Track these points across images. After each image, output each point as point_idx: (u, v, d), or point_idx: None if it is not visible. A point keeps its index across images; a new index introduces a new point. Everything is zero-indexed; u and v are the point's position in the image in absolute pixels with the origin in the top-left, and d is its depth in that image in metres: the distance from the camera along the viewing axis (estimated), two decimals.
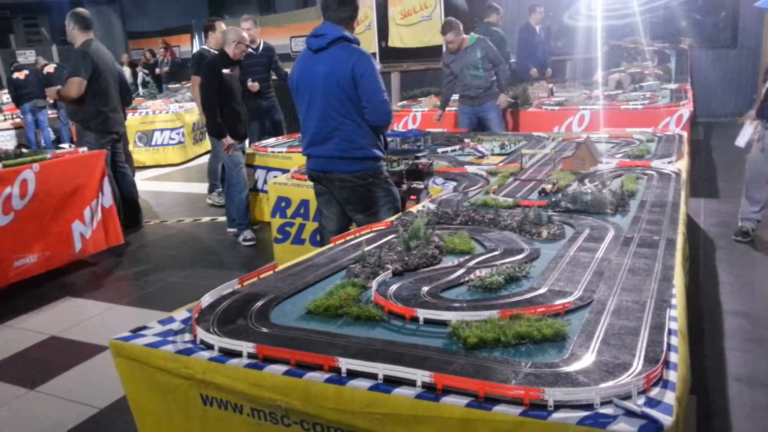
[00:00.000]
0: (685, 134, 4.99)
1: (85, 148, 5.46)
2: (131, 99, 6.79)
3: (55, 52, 16.83)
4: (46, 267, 4.89)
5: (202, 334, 1.78)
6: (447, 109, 6.86)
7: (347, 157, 3.41)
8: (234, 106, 5.49)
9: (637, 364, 1.50)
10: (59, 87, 5.94)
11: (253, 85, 6.19)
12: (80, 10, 5.82)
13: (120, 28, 18.42)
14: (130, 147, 7.78)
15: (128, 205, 6.26)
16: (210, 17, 7.02)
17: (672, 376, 1.48)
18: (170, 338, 1.83)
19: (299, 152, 5.48)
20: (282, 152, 5.91)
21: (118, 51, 14.82)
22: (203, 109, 5.57)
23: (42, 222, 4.85)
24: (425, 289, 2.08)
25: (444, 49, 7.29)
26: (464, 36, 6.18)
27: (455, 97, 6.72)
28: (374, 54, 12.33)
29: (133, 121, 9.42)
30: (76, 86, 5.57)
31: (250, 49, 7.04)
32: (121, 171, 6.17)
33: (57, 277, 4.99)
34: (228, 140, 5.46)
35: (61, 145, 6.57)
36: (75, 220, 5.12)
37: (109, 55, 5.96)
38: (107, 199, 5.43)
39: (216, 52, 6.29)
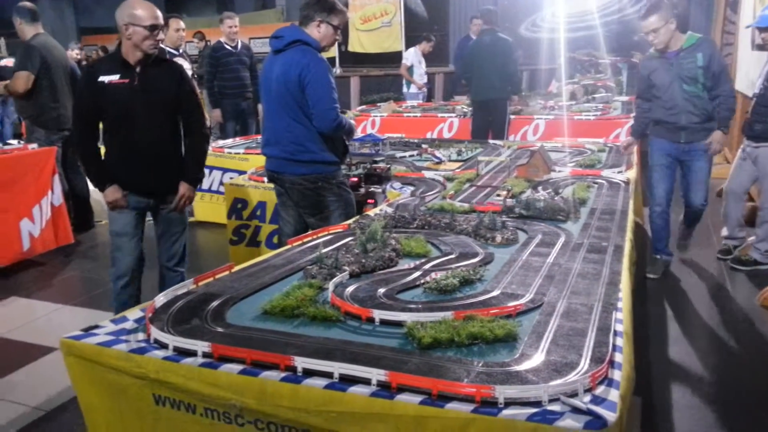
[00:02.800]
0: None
1: (34, 145, 5.31)
2: None
3: (3, 45, 16.27)
4: None
5: (156, 333, 1.77)
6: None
7: (295, 160, 3.41)
8: (125, 134, 3.26)
9: (584, 364, 1.56)
10: (7, 81, 5.76)
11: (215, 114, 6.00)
12: (26, 3, 5.63)
13: (73, 22, 17.92)
14: None
15: (79, 205, 6.11)
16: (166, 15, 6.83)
17: (617, 375, 1.54)
18: (123, 337, 1.81)
19: (256, 154, 5.47)
20: (239, 153, 5.87)
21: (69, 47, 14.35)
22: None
23: None
24: (381, 290, 2.11)
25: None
26: (677, 32, 4.19)
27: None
28: (334, 58, 12.35)
29: None
30: (23, 81, 5.40)
31: (228, 47, 6.97)
32: (72, 169, 6.02)
33: (3, 277, 4.84)
34: (109, 193, 3.30)
35: (9, 141, 6.36)
36: (23, 218, 4.97)
37: (60, 50, 5.80)
38: (57, 197, 5.29)
39: (174, 51, 6.21)
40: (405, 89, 9.42)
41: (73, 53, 10.80)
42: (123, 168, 3.31)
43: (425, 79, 9.40)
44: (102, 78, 3.19)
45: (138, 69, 3.22)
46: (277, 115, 3.40)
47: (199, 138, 3.47)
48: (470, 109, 7.05)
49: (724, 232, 4.89)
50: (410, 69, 9.15)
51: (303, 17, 3.41)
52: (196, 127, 3.44)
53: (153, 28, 3.15)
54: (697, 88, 4.16)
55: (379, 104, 8.59)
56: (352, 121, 3.62)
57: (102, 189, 3.32)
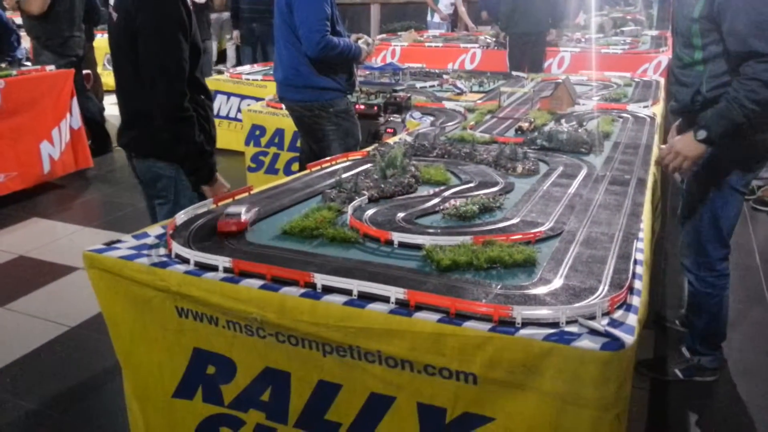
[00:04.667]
0: (662, 80, 5.02)
1: (52, 66, 5.27)
2: (99, 19, 6.51)
3: None
4: (12, 188, 4.80)
5: (177, 248, 1.79)
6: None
7: (291, 85, 3.38)
8: (203, 80, 2.53)
9: (603, 289, 1.56)
10: None
11: None
12: None
13: None
14: (99, 69, 7.50)
15: (94, 129, 6.11)
16: None
17: (635, 301, 1.53)
18: (145, 252, 1.83)
19: (274, 80, 5.41)
20: (257, 80, 5.81)
21: None
22: (166, 108, 2.29)
23: (8, 141, 4.72)
24: (400, 215, 2.10)
25: None
26: None
27: None
28: None
29: (102, 43, 9.03)
30: (38, 2, 5.32)
31: None
32: (82, 93, 5.98)
33: (25, 199, 4.91)
34: (220, 184, 2.53)
35: (26, 63, 6.32)
36: (43, 141, 5.00)
37: None
38: (75, 120, 5.31)
39: None
40: (429, 17, 9.17)
41: None
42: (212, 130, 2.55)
43: (451, 10, 9.11)
44: None
45: None
46: (279, 39, 3.38)
47: None
48: (494, 40, 6.85)
49: None
50: None
51: None
52: None
53: None
54: (692, 54, 2.40)
55: (399, 33, 8.38)
56: (362, 45, 3.49)
57: (211, 179, 2.49)
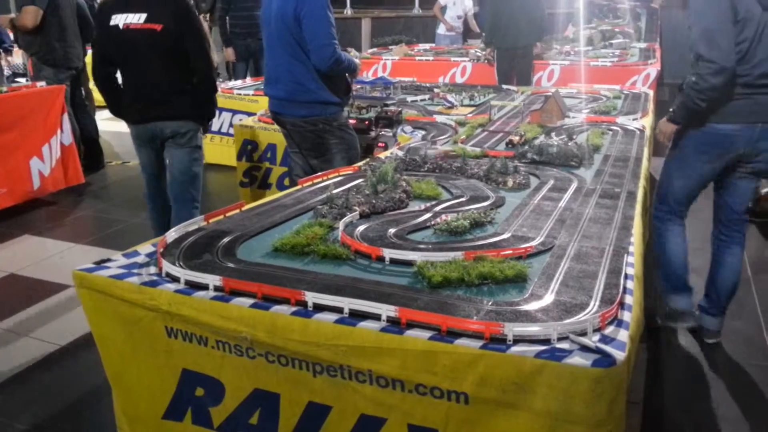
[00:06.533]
0: (651, 92, 5.06)
1: (43, 83, 5.26)
2: (92, 33, 6.51)
3: None
4: (2, 204, 4.77)
5: (167, 267, 1.78)
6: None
7: (296, 100, 3.34)
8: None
9: (594, 305, 1.56)
10: (12, 15, 5.67)
11: None
12: None
13: None
14: (90, 85, 7.48)
15: (88, 145, 6.09)
16: None
17: (626, 316, 1.54)
18: (135, 271, 1.82)
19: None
20: (248, 95, 5.82)
21: None
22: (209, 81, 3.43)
23: None
24: (392, 230, 2.10)
25: None
26: None
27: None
28: None
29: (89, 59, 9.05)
30: (31, 15, 5.31)
31: None
32: (81, 109, 5.97)
33: (14, 215, 4.87)
34: None
35: (18, 79, 6.31)
36: (33, 157, 4.98)
37: None
38: (66, 136, 5.28)
39: None
40: (438, 30, 9.21)
41: None
42: None
43: (458, 22, 9.11)
44: None
45: None
46: (278, 53, 3.33)
47: None
48: (483, 53, 6.89)
49: None
50: (443, 9, 8.92)
51: None
52: None
53: None
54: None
55: (390, 47, 8.42)
56: (357, 60, 3.53)
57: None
